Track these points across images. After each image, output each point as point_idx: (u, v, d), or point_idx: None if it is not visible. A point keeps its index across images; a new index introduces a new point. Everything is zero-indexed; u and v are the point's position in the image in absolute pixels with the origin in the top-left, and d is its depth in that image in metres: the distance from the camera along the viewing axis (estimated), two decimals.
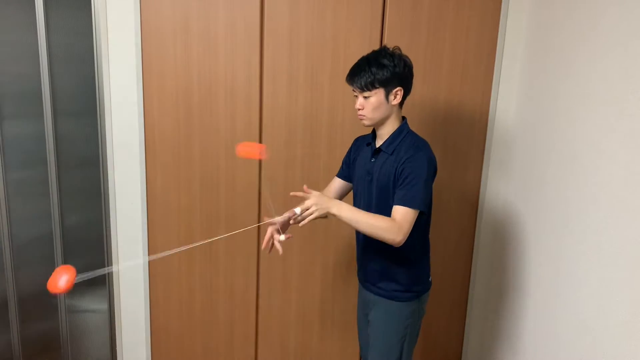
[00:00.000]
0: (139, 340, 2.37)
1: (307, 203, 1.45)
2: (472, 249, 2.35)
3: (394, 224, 1.48)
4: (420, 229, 1.65)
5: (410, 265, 1.68)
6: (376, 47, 2.09)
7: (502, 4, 2.09)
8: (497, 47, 2.13)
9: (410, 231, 1.50)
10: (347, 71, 2.09)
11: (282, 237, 1.56)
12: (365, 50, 2.09)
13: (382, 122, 1.61)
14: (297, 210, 1.46)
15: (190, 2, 2.05)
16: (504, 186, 2.24)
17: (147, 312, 2.33)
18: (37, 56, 2.04)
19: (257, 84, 2.13)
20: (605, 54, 1.52)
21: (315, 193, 1.48)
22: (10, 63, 2.05)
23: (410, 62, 1.60)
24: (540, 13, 2.00)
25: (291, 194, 1.48)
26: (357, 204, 1.74)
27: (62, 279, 1.41)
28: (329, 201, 1.48)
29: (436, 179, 1.93)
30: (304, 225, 1.47)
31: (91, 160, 2.19)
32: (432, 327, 2.41)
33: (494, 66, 2.15)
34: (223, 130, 2.16)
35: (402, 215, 1.49)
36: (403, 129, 1.62)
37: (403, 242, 1.48)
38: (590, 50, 1.61)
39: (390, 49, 1.58)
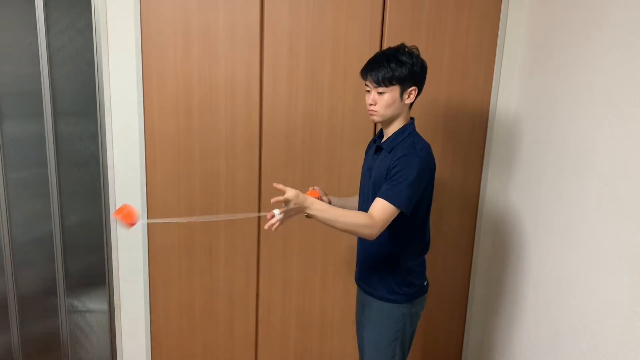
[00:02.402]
0: (139, 340, 2.37)
1: (287, 196, 1.38)
2: (472, 248, 2.35)
3: (369, 219, 1.46)
4: (414, 230, 1.64)
5: (401, 267, 1.66)
6: (376, 47, 2.11)
7: (502, 4, 2.09)
8: (497, 47, 2.13)
9: (385, 226, 1.48)
10: (347, 71, 2.12)
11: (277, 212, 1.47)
12: (365, 50, 2.10)
13: (391, 120, 1.60)
14: (276, 212, 1.41)
15: (190, 2, 2.05)
16: (504, 185, 2.24)
17: (147, 312, 2.33)
18: (37, 56, 2.04)
19: (257, 84, 2.13)
20: (605, 54, 1.52)
21: (292, 194, 1.39)
22: (10, 63, 2.05)
23: (426, 63, 1.59)
24: (540, 13, 2.00)
25: (274, 184, 1.43)
26: (359, 198, 1.76)
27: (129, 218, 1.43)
28: (305, 200, 1.42)
29: (436, 178, 1.92)
30: (283, 222, 1.41)
31: (91, 160, 2.19)
32: (432, 327, 2.41)
33: (494, 66, 2.15)
34: (223, 130, 2.16)
35: (380, 209, 1.47)
36: (406, 129, 1.60)
37: (377, 236, 1.46)
38: (591, 50, 1.61)
39: (408, 47, 1.56)
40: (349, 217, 1.46)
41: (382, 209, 1.47)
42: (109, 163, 2.17)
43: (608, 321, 1.43)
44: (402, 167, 1.50)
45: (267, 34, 2.09)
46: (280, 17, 2.07)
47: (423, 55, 1.60)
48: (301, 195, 1.42)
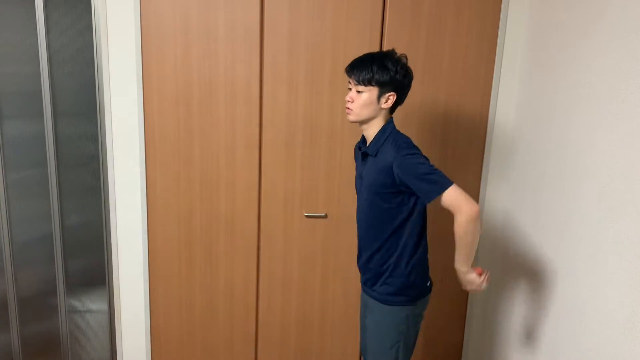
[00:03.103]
0: (139, 340, 2.37)
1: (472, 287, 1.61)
2: None
3: (458, 218, 1.47)
4: (413, 232, 1.64)
5: (403, 269, 1.66)
6: (376, 47, 2.11)
7: (502, 4, 2.09)
8: (497, 47, 2.13)
9: (467, 197, 1.47)
10: None
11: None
12: (365, 50, 2.09)
13: (366, 122, 1.61)
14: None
15: (190, 2, 2.05)
16: (504, 187, 2.24)
17: (147, 312, 2.33)
18: (37, 56, 2.04)
19: (257, 84, 2.13)
20: (605, 55, 1.52)
21: (463, 277, 1.60)
22: (10, 63, 2.05)
23: (412, 74, 1.60)
24: (541, 13, 2.00)
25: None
26: (358, 205, 1.75)
27: None
28: (460, 272, 1.60)
29: None
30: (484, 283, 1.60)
31: (91, 160, 2.19)
32: (432, 326, 2.41)
33: (494, 66, 2.15)
34: (223, 130, 2.16)
35: (449, 202, 1.47)
36: (386, 129, 1.60)
37: (475, 206, 1.46)
38: (591, 51, 1.61)
39: (397, 55, 1.58)
40: (463, 239, 1.52)
41: (448, 202, 1.48)
42: (109, 163, 2.17)
43: (608, 321, 1.43)
44: (408, 166, 1.50)
45: (267, 34, 2.09)
46: (280, 17, 2.07)
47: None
48: (460, 275, 1.61)
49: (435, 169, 1.49)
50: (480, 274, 1.58)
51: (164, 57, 2.09)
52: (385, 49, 2.08)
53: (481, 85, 2.17)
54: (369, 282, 1.74)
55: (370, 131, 1.62)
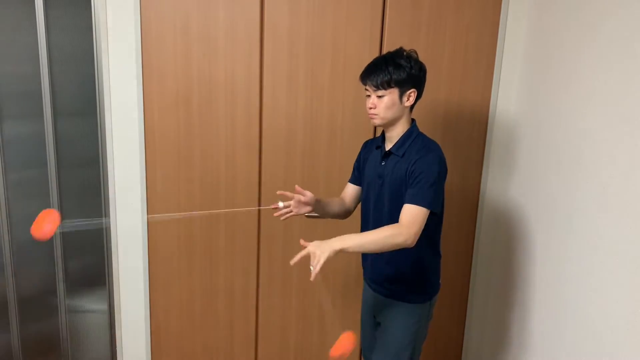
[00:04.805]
0: (139, 340, 2.37)
1: (311, 253, 1.36)
2: (472, 248, 2.35)
3: (401, 227, 1.44)
4: (432, 231, 1.63)
5: (423, 269, 1.67)
6: (376, 47, 2.11)
7: (502, 4, 2.10)
8: (497, 47, 2.13)
9: (421, 230, 1.46)
10: (347, 71, 2.12)
11: (281, 204, 1.68)
12: (365, 51, 2.10)
13: (392, 123, 1.60)
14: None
15: (190, 2, 2.05)
16: (504, 186, 2.24)
17: (147, 312, 2.33)
18: (37, 56, 2.04)
19: (257, 84, 2.13)
20: (605, 54, 1.52)
21: (312, 243, 1.38)
22: (10, 63, 2.05)
23: (425, 67, 1.60)
24: (541, 13, 2.00)
25: (291, 263, 1.38)
26: (366, 207, 1.73)
27: (46, 225, 1.42)
28: (329, 242, 1.39)
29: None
30: (315, 270, 1.36)
31: (91, 160, 2.19)
32: (432, 327, 2.40)
33: (494, 66, 2.15)
34: (223, 131, 2.16)
35: (411, 214, 1.46)
36: (413, 131, 1.61)
37: (415, 241, 1.44)
38: (591, 51, 1.61)
39: (407, 51, 1.57)
40: (377, 234, 1.44)
41: (411, 214, 1.46)
42: (109, 163, 2.16)
43: (610, 321, 1.43)
44: (422, 169, 1.50)
45: (267, 34, 2.09)
46: (280, 17, 2.07)
47: (423, 56, 1.60)
48: (323, 243, 1.38)
49: (434, 188, 1.48)
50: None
51: (164, 57, 2.09)
52: (385, 49, 2.09)
53: (481, 85, 2.17)
54: (384, 282, 1.72)
55: (396, 132, 1.61)
